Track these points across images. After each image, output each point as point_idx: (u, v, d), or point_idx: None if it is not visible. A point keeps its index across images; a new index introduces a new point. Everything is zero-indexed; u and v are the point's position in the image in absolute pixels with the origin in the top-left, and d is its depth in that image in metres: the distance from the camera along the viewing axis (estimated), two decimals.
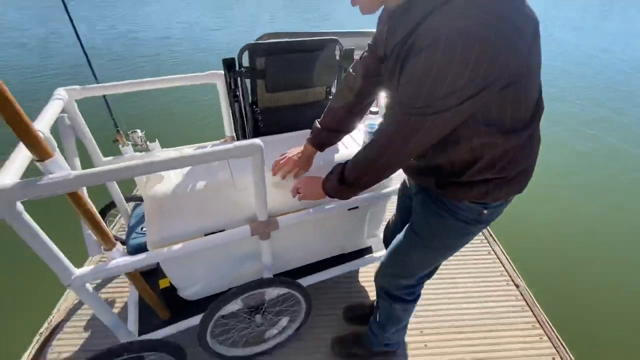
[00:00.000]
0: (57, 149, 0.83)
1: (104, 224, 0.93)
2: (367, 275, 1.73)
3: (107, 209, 1.65)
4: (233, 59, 1.30)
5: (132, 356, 1.11)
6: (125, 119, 1.57)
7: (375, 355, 1.37)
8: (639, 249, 2.53)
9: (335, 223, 1.33)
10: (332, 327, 1.50)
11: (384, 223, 1.38)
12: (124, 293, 1.66)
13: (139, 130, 1.45)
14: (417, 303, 1.16)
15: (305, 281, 1.35)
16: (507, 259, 1.82)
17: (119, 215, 2.09)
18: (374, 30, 0.91)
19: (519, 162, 0.77)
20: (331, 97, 1.50)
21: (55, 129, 1.00)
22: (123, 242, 1.57)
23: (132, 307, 1.30)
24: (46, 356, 1.40)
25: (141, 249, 1.28)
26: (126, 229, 1.47)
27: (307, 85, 1.45)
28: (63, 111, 1.11)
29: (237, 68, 1.31)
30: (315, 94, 1.50)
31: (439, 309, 1.58)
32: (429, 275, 1.10)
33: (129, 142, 1.45)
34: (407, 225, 1.01)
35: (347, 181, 0.86)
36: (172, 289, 1.26)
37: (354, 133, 1.31)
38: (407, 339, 1.46)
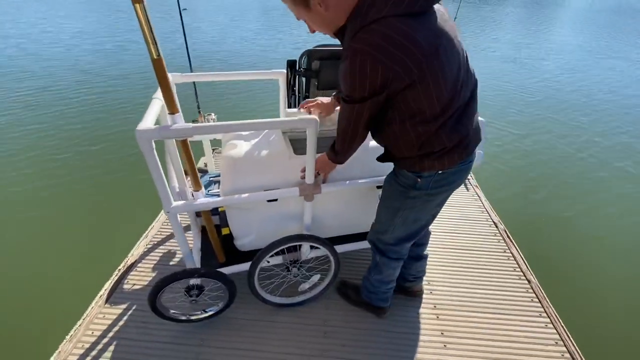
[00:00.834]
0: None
1: (197, 170, 1.26)
2: None
3: None
4: (295, 60, 1.63)
5: (196, 284, 1.43)
6: (204, 103, 1.96)
7: (361, 303, 1.61)
8: None
9: (366, 200, 1.58)
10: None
11: None
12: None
13: (213, 114, 1.81)
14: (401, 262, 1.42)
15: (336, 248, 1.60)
16: (522, 258, 1.96)
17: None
18: None
19: (435, 143, 0.98)
20: None
21: None
22: None
23: (195, 252, 1.61)
24: (123, 286, 1.75)
25: None
26: None
27: None
28: None
29: (297, 68, 1.64)
30: None
31: (454, 289, 1.76)
32: (406, 239, 1.31)
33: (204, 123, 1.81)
34: None
35: (335, 149, 1.16)
36: (230, 238, 1.57)
37: None
38: (421, 310, 1.65)
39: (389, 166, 1.43)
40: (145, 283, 1.77)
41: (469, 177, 2.56)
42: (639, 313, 2.23)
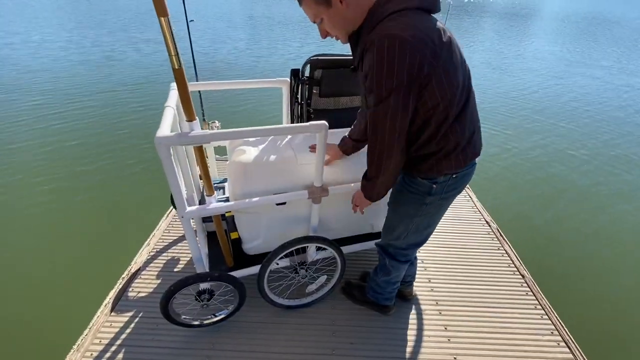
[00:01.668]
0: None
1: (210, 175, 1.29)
2: None
3: None
4: (298, 69, 1.69)
5: (207, 289, 1.45)
6: (207, 111, 2.00)
7: (367, 302, 1.64)
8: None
9: None
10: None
11: None
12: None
13: (217, 121, 1.85)
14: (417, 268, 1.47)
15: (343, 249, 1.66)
16: (515, 254, 2.06)
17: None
18: None
19: (451, 139, 1.00)
20: None
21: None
22: None
23: (203, 256, 1.63)
24: (128, 294, 1.75)
25: None
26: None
27: (351, 93, 1.83)
28: None
29: (300, 76, 1.70)
30: (356, 100, 1.87)
31: (454, 286, 1.83)
32: (418, 244, 1.35)
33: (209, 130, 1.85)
34: None
35: (368, 176, 1.11)
36: (237, 242, 1.60)
37: None
38: (424, 307, 1.72)
39: None
40: (151, 290, 1.77)
41: None
42: (628, 299, 2.37)
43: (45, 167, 3.55)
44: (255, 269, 1.56)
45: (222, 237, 1.47)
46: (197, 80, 1.71)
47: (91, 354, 1.47)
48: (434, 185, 1.09)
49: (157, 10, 0.88)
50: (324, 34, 1.04)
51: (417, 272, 1.70)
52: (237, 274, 1.54)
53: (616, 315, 2.26)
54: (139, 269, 1.88)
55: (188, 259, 1.98)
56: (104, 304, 1.69)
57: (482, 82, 7.45)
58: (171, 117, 1.19)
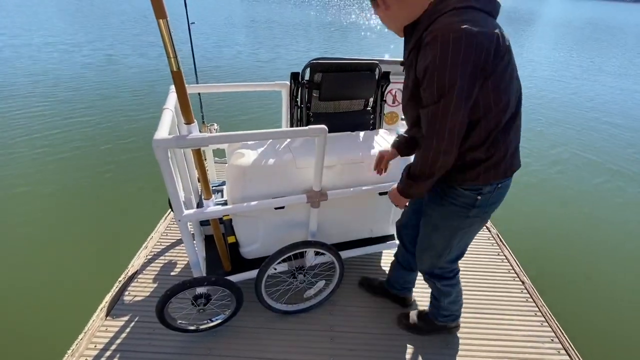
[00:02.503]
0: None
1: (208, 178, 1.28)
2: (387, 259, 1.99)
3: None
4: (298, 72, 1.69)
5: (204, 293, 1.43)
6: (207, 113, 1.99)
7: (438, 329, 1.55)
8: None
9: (368, 206, 1.63)
10: (352, 299, 1.75)
11: None
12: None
13: (215, 124, 1.84)
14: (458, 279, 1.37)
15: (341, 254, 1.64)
16: (515, 260, 2.04)
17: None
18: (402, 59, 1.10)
19: (501, 144, 0.97)
20: (369, 108, 1.87)
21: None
22: None
23: (200, 260, 1.62)
24: (124, 298, 1.73)
25: None
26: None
27: (350, 97, 1.82)
28: None
29: (300, 80, 1.70)
30: (355, 104, 1.87)
31: None
32: (459, 256, 1.30)
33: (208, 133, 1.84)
34: (422, 218, 1.25)
35: (413, 175, 1.03)
36: (236, 246, 1.58)
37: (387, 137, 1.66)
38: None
39: (392, 172, 1.50)
40: (147, 294, 1.75)
41: None
42: (628, 307, 2.35)
43: (41, 171, 3.53)
44: (252, 274, 1.55)
45: (219, 240, 1.46)
46: (197, 83, 1.70)
47: (86, 359, 1.45)
48: (479, 197, 1.05)
49: (155, 12, 0.87)
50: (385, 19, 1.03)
51: (417, 278, 1.68)
52: (234, 278, 1.52)
53: (617, 323, 2.24)
54: (135, 272, 1.87)
55: (185, 262, 1.96)
56: (99, 307, 1.67)
57: None
58: (169, 120, 1.18)
